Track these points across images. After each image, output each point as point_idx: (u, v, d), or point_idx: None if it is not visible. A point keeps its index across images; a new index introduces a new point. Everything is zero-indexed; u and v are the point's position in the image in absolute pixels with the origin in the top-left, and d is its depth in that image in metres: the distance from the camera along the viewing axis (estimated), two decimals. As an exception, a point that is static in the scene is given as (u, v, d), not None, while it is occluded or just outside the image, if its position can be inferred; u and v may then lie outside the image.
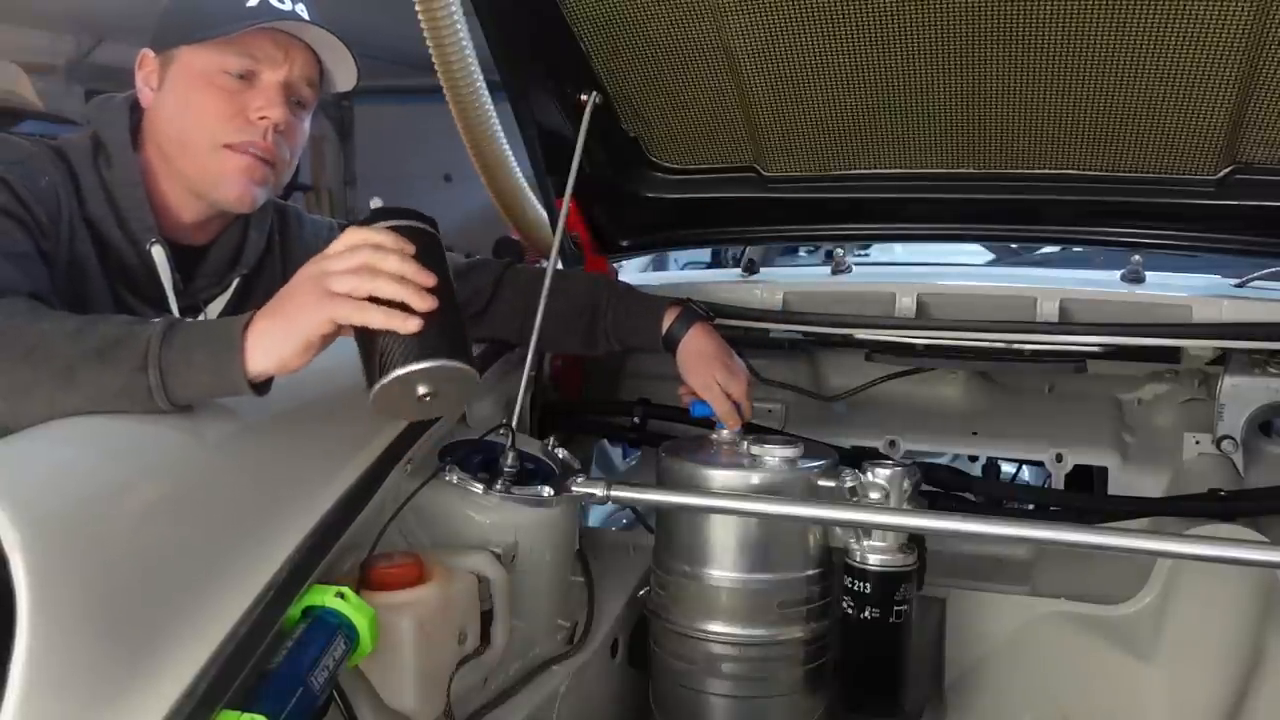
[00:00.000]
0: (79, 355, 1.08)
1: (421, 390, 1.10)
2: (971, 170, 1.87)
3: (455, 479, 1.49)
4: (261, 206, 1.47)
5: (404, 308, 1.08)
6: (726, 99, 1.81)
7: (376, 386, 1.08)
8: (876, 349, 2.00)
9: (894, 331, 1.95)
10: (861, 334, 1.96)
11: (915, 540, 1.56)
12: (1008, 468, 2.38)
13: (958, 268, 3.00)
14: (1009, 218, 2.00)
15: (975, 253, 3.56)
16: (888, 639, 1.55)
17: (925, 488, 1.77)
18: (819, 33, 1.61)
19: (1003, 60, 1.59)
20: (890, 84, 1.69)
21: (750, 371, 1.75)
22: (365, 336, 1.10)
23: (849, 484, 1.53)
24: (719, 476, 1.57)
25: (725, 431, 1.66)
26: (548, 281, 1.64)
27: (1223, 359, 1.91)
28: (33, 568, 0.87)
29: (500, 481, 1.48)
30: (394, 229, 1.12)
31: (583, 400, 2.25)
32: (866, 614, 1.53)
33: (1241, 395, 1.89)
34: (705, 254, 4.08)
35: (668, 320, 1.70)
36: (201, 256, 1.48)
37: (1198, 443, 1.95)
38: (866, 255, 3.34)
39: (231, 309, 1.48)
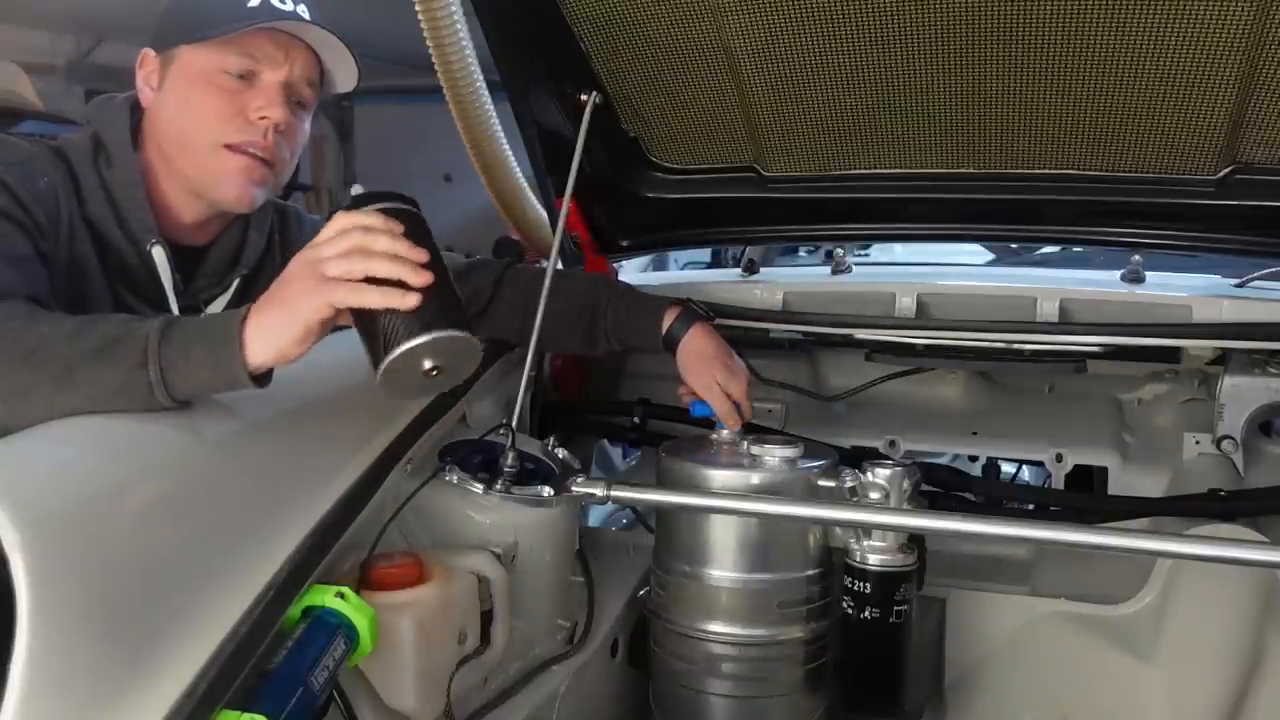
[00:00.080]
0: (78, 355, 1.08)
1: (427, 364, 1.11)
2: (971, 170, 1.86)
3: (455, 479, 1.49)
4: (261, 207, 1.47)
5: (400, 285, 1.08)
6: (726, 99, 1.81)
7: (383, 365, 1.09)
8: (876, 349, 2.00)
9: (894, 331, 1.95)
10: (861, 334, 1.96)
11: (915, 540, 1.56)
12: (1008, 468, 2.38)
13: (958, 268, 3.00)
14: (1009, 218, 2.00)
15: (975, 253, 3.56)
16: (888, 639, 1.55)
17: (925, 488, 1.77)
18: (819, 33, 1.61)
19: (1003, 60, 1.59)
20: (890, 84, 1.69)
21: (750, 371, 1.75)
22: (365, 318, 1.10)
23: (849, 484, 1.53)
24: (719, 476, 1.57)
25: (725, 431, 1.66)
26: (548, 281, 1.64)
27: (1223, 359, 1.91)
28: (33, 568, 0.87)
29: (500, 481, 1.48)
30: (380, 210, 1.13)
31: (583, 400, 2.25)
32: (866, 614, 1.53)
33: (1241, 395, 1.89)
34: (705, 254, 4.08)
35: (668, 320, 1.70)
36: (201, 257, 1.48)
37: (1198, 443, 1.95)
38: (866, 255, 3.33)
39: (231, 309, 1.48)
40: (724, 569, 1.59)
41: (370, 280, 1.08)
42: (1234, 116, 1.63)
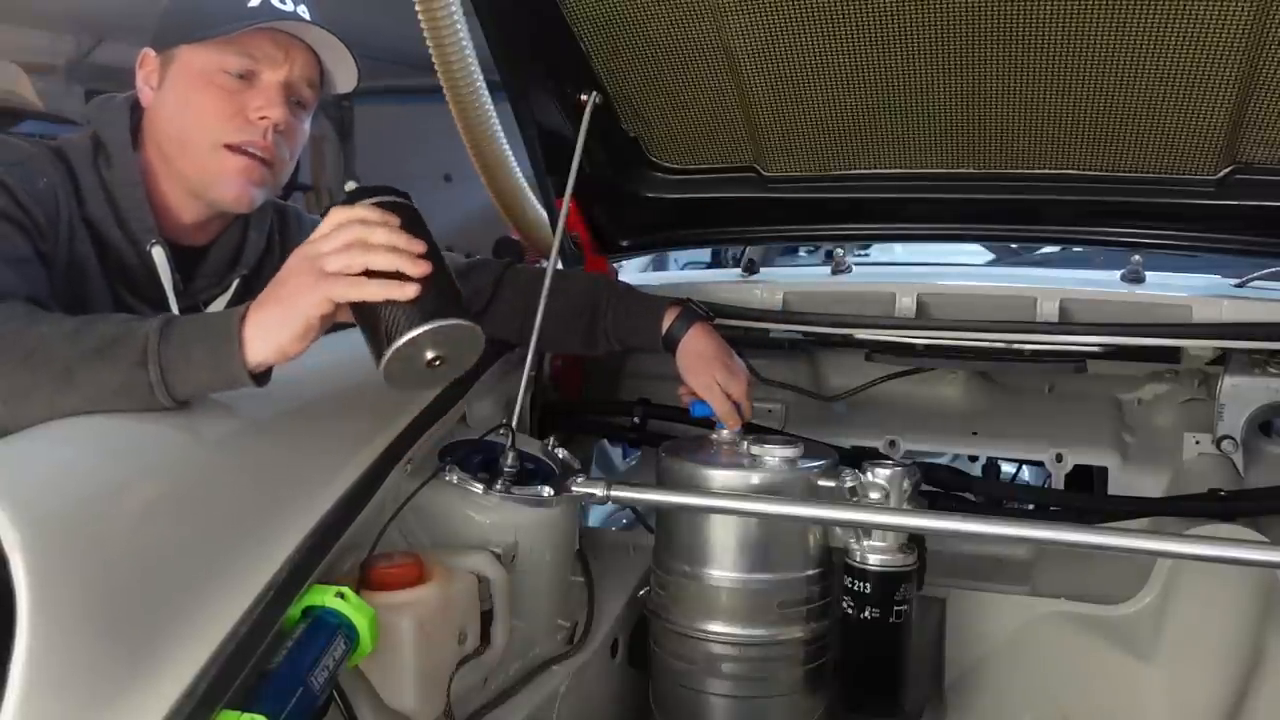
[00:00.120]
0: (77, 356, 1.08)
1: (430, 354, 1.11)
2: (971, 170, 1.86)
3: (455, 479, 1.49)
4: (261, 207, 1.47)
5: (399, 277, 1.08)
6: (726, 99, 1.81)
7: (386, 356, 1.09)
8: (876, 349, 2.00)
9: (894, 331, 1.95)
10: (861, 334, 1.96)
11: (915, 540, 1.56)
12: (1008, 468, 2.38)
13: (958, 268, 3.00)
14: (1009, 218, 2.00)
15: (975, 253, 3.56)
16: (888, 639, 1.55)
17: (925, 488, 1.77)
18: (819, 33, 1.61)
19: (1003, 60, 1.59)
20: (890, 84, 1.69)
21: (750, 371, 1.75)
22: (365, 311, 1.10)
23: (849, 484, 1.53)
24: (719, 476, 1.57)
25: (725, 431, 1.66)
26: (548, 281, 1.64)
27: (1223, 359, 1.91)
28: (33, 568, 0.87)
29: (500, 481, 1.48)
30: (375, 204, 1.14)
31: (583, 400, 2.25)
32: (866, 614, 1.53)
33: (1241, 395, 1.89)
34: (705, 254, 4.08)
35: (668, 320, 1.70)
36: (201, 257, 1.48)
37: (1198, 443, 1.95)
38: (866, 255, 3.33)
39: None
40: (724, 569, 1.59)
41: (369, 273, 1.08)
42: (1234, 116, 1.63)
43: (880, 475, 1.50)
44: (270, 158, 1.40)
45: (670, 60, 1.75)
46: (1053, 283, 2.01)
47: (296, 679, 1.02)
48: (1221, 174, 1.75)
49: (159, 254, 1.38)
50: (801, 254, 3.96)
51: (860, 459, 1.59)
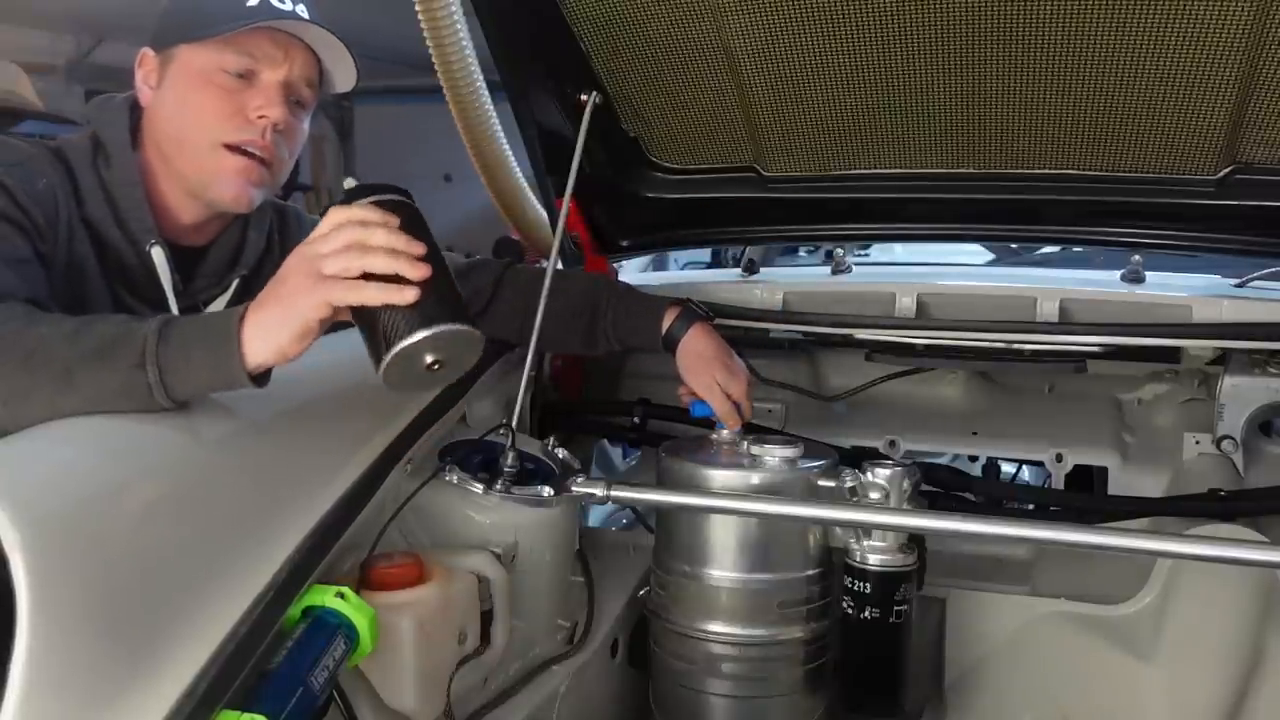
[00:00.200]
0: (77, 357, 1.08)
1: (429, 358, 1.10)
2: (971, 170, 1.86)
3: (455, 479, 1.49)
4: (260, 207, 1.47)
5: (398, 280, 1.08)
6: (726, 99, 1.81)
7: (384, 361, 1.08)
8: (876, 349, 2.00)
9: (894, 331, 1.95)
10: (861, 334, 1.96)
11: (915, 540, 1.56)
12: (1008, 468, 2.38)
13: (958, 268, 3.00)
14: (1009, 218, 2.00)
15: (975, 253, 3.56)
16: (888, 639, 1.55)
17: (925, 488, 1.77)
18: (819, 33, 1.61)
19: (1003, 60, 1.59)
20: (890, 84, 1.69)
21: (750, 371, 1.75)
22: (365, 314, 1.10)
23: (849, 484, 1.53)
24: (719, 476, 1.57)
25: (725, 431, 1.66)
26: (548, 281, 1.64)
27: (1223, 359, 1.91)
28: (33, 568, 0.87)
29: (500, 481, 1.48)
30: (375, 203, 1.12)
31: (583, 400, 2.24)
32: (866, 614, 1.53)
33: (1241, 395, 1.89)
34: (705, 254, 4.08)
35: (667, 320, 1.70)
36: (201, 257, 1.47)
37: (1198, 443, 1.95)
38: (866, 255, 3.33)
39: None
40: (724, 569, 1.59)
41: (368, 276, 1.08)
42: (1234, 116, 1.63)
43: (880, 475, 1.50)
44: (269, 157, 1.40)
45: (670, 60, 1.75)
46: (1053, 283, 2.01)
47: (296, 679, 1.02)
48: (1221, 174, 1.75)
49: (158, 254, 1.38)
50: (801, 254, 3.96)
51: (860, 459, 1.59)
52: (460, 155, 1.88)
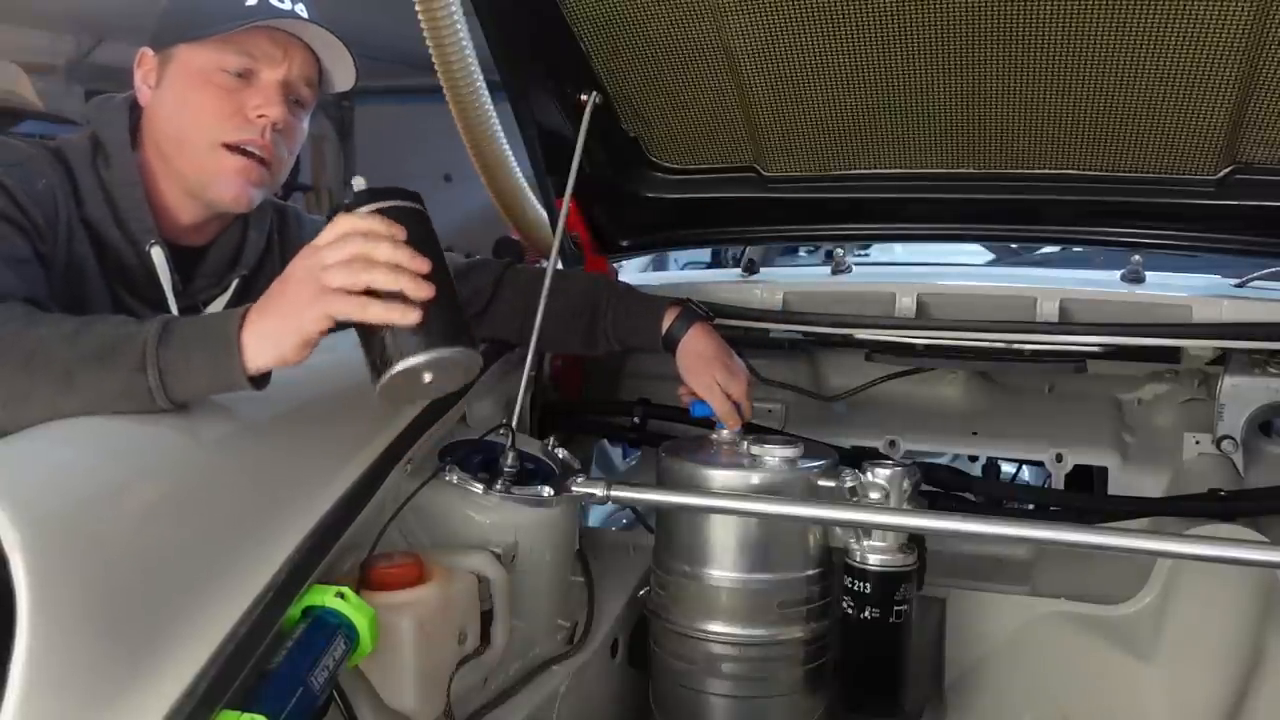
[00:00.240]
0: (77, 359, 1.07)
1: (427, 378, 1.10)
2: (971, 170, 1.86)
3: (455, 479, 1.49)
4: (260, 207, 1.47)
5: (401, 296, 1.07)
6: (726, 99, 1.81)
7: (382, 380, 1.08)
8: (876, 349, 2.00)
9: (894, 331, 1.95)
10: (861, 334, 1.96)
11: (915, 540, 1.56)
12: (1008, 468, 2.38)
13: (958, 268, 3.00)
14: (1009, 218, 2.00)
15: (975, 253, 3.56)
16: (888, 639, 1.55)
17: (925, 488, 1.77)
18: (819, 33, 1.61)
19: (1003, 60, 1.59)
20: (890, 84, 1.69)
21: (750, 371, 1.75)
22: (365, 328, 1.09)
23: (849, 484, 1.53)
24: (719, 476, 1.57)
25: (725, 431, 1.66)
26: (548, 281, 1.63)
27: (1223, 359, 1.91)
28: (33, 568, 0.87)
29: (500, 481, 1.48)
30: (382, 211, 1.10)
31: (583, 400, 2.25)
32: (866, 614, 1.53)
33: (1241, 395, 1.89)
34: (705, 254, 4.08)
35: (667, 320, 1.70)
36: (200, 257, 1.47)
37: (1198, 443, 1.95)
38: (866, 255, 3.33)
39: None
40: (724, 569, 1.59)
41: (371, 291, 1.07)
42: (1234, 116, 1.63)
43: (880, 475, 1.50)
44: (269, 157, 1.40)
45: (670, 60, 1.75)
46: (1053, 283, 2.01)
47: (296, 679, 1.02)
48: (1221, 174, 1.75)
49: (158, 254, 1.38)
50: (801, 254, 3.96)
51: (860, 459, 1.59)
52: (460, 155, 1.88)
